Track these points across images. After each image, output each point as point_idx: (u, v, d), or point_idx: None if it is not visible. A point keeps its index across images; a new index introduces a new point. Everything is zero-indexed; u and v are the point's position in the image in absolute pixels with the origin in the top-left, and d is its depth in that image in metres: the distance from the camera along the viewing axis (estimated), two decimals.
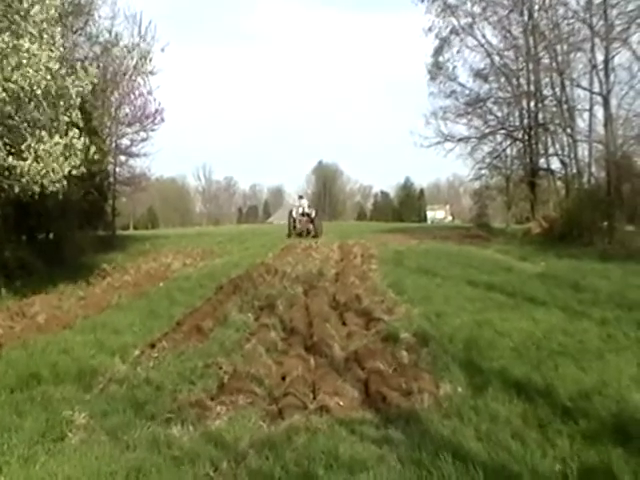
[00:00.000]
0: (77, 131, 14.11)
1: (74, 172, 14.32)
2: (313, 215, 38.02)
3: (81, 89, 14.43)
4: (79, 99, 14.59)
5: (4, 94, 13.08)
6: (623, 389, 6.38)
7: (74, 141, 13.92)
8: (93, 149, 14.92)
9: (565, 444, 5.24)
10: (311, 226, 37.25)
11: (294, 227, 37.38)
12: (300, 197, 43.77)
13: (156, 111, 35.83)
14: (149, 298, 14.75)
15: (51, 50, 13.47)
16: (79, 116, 14.38)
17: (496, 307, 11.53)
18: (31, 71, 13.11)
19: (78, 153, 14.09)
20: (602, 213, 25.17)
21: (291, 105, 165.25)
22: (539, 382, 6.86)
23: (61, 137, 13.74)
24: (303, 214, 38.06)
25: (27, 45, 12.99)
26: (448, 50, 39.25)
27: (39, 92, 13.52)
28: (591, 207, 25.24)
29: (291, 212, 38.87)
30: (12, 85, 13.06)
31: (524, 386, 6.75)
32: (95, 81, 15.66)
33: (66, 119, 14.22)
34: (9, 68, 12.94)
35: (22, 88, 13.23)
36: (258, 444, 5.59)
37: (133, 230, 62.56)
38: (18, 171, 13.38)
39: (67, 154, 13.80)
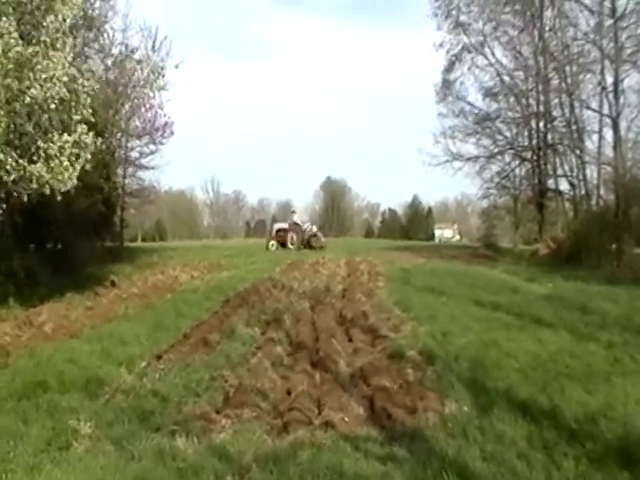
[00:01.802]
0: (85, 126, 14.18)
1: (87, 166, 14.38)
2: (305, 228, 40.84)
3: (89, 89, 14.56)
4: (89, 99, 14.68)
5: (18, 106, 13.20)
6: (629, 412, 6.36)
7: (83, 137, 14.01)
8: (103, 146, 14.92)
9: (571, 466, 5.22)
10: (293, 237, 40.03)
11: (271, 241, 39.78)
12: (293, 212, 44.87)
13: (166, 124, 35.91)
14: (156, 310, 14.77)
15: (64, 65, 13.60)
16: (90, 113, 14.46)
17: (502, 327, 11.50)
18: (47, 85, 13.26)
19: (88, 149, 14.16)
20: (610, 236, 25.09)
21: (300, 120, 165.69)
22: (545, 404, 6.84)
23: (70, 135, 13.83)
24: (283, 229, 40.75)
25: (43, 61, 13.15)
26: (459, 68, 39.49)
27: (52, 106, 13.66)
28: (599, 229, 25.16)
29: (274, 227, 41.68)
30: (27, 98, 13.19)
31: (530, 407, 6.73)
32: (104, 77, 15.74)
33: (77, 117, 14.33)
34: (27, 82, 13.08)
35: (37, 101, 13.37)
36: (262, 458, 5.59)
37: (141, 242, 62.71)
38: (28, 175, 13.46)
39: (77, 151, 13.87)
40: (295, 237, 40.38)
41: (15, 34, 12.99)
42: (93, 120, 14.90)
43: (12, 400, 7.35)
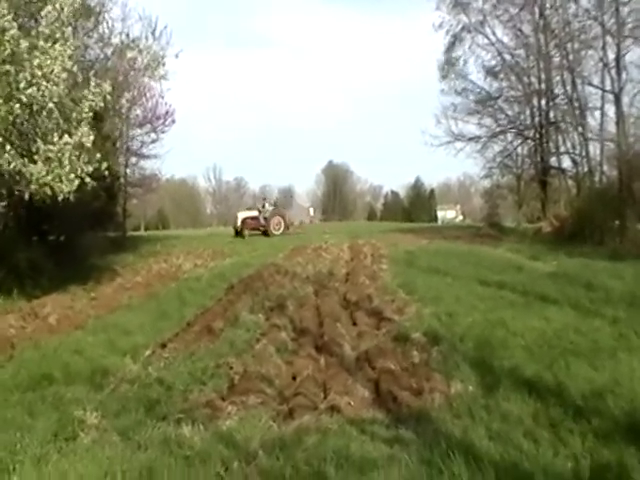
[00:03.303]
0: (86, 130, 14.12)
1: (87, 180, 14.36)
2: (267, 214, 39.73)
3: (93, 103, 14.49)
4: (91, 113, 14.63)
5: (17, 106, 13.14)
6: (636, 388, 6.31)
7: (84, 139, 13.96)
8: (105, 164, 14.90)
9: (577, 443, 5.20)
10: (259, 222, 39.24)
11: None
12: (264, 199, 44.63)
13: (167, 113, 35.86)
14: (160, 299, 14.80)
15: (63, 61, 13.52)
16: (90, 130, 14.37)
17: (507, 306, 11.49)
18: (44, 84, 13.18)
19: (91, 158, 14.11)
20: (613, 212, 25.00)
21: (300, 105, 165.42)
22: (551, 381, 6.81)
23: (70, 136, 13.78)
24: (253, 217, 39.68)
25: (41, 56, 13.08)
26: (459, 47, 39.09)
27: (51, 105, 13.59)
28: (602, 206, 25.06)
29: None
30: (24, 98, 13.13)
31: (536, 385, 6.71)
32: (108, 98, 15.70)
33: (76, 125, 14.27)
34: (23, 82, 13.00)
35: (35, 99, 13.31)
36: (269, 444, 5.58)
37: (144, 231, 62.70)
38: (28, 176, 13.43)
39: (78, 154, 13.83)
40: (282, 222, 40.23)
41: (9, 17, 12.90)
42: (97, 114, 14.87)
43: (18, 392, 7.37)
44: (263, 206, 40.85)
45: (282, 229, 39.58)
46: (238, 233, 38.46)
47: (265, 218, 39.30)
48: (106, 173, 15.46)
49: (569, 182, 36.54)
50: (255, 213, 39.91)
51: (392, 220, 78.53)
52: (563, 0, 33.97)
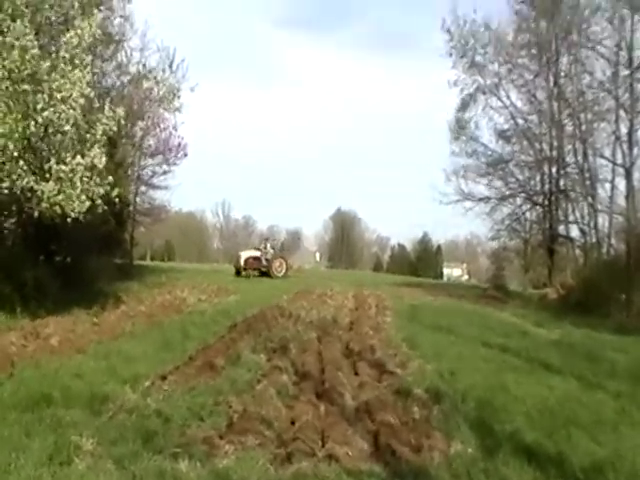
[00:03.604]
0: (98, 151, 14.28)
1: (98, 202, 14.50)
2: (268, 256, 39.75)
3: (107, 127, 14.71)
4: (104, 137, 14.84)
5: (33, 125, 13.31)
6: (638, 464, 6.27)
7: (95, 161, 14.10)
8: (116, 191, 15.08)
9: None
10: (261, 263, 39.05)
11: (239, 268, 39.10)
12: (266, 239, 44.58)
13: (179, 145, 36.25)
14: (163, 330, 14.75)
15: (81, 86, 13.74)
16: (102, 152, 14.55)
17: (510, 370, 11.40)
18: (62, 107, 13.39)
19: (102, 181, 14.24)
20: (620, 285, 24.94)
21: (312, 149, 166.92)
22: (551, 450, 6.75)
23: (82, 157, 13.92)
24: (256, 257, 39.58)
25: (61, 80, 13.29)
26: (473, 107, 39.50)
27: (67, 127, 13.78)
28: (609, 278, 25.02)
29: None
30: (41, 119, 13.30)
31: (536, 453, 6.64)
32: (122, 122, 15.95)
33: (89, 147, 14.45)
34: (41, 103, 13.19)
35: (52, 121, 13.49)
36: None
37: (150, 261, 62.79)
38: (39, 194, 13.54)
39: (89, 175, 13.95)
40: (284, 264, 40.43)
41: (32, 36, 13.15)
42: (110, 139, 15.08)
43: (16, 411, 7.31)
44: (265, 247, 40.83)
45: (284, 272, 39.58)
46: (239, 272, 38.45)
47: (267, 259, 39.27)
48: (117, 200, 15.62)
49: (577, 251, 36.58)
50: (258, 253, 39.86)
51: (398, 273, 78.56)
52: (578, 70, 34.42)
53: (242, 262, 38.73)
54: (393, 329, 16.96)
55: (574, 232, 36.46)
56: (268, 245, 41.16)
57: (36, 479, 5.44)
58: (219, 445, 6.69)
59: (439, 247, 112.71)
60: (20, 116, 12.94)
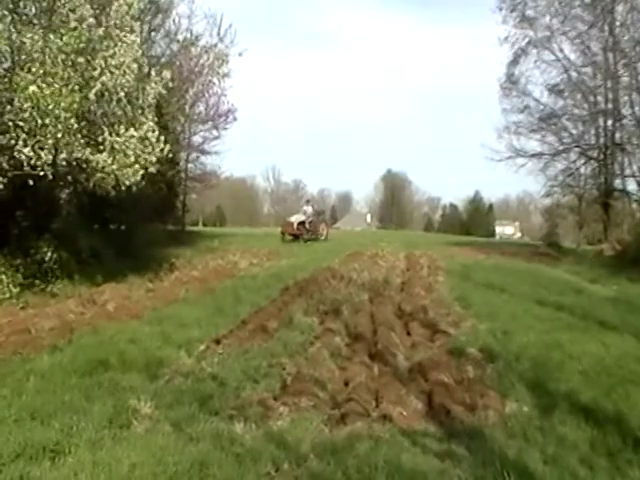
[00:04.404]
0: (151, 124, 14.46)
1: (151, 169, 14.69)
2: (310, 220, 38.45)
3: (156, 91, 14.85)
4: (155, 100, 14.99)
5: (92, 94, 13.49)
6: None
7: (149, 134, 14.27)
8: (167, 147, 15.27)
9: (636, 474, 5.07)
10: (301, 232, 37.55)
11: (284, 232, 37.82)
12: (307, 201, 43.82)
13: (228, 111, 36.40)
14: (215, 294, 14.91)
15: (134, 51, 13.87)
16: (154, 116, 14.74)
17: (565, 328, 11.21)
18: (117, 72, 13.53)
19: (154, 148, 14.42)
20: None
21: (362, 111, 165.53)
22: (609, 409, 6.64)
23: (136, 130, 14.09)
24: (302, 221, 38.10)
25: (115, 47, 13.44)
26: (524, 62, 38.42)
27: (122, 94, 13.93)
28: None
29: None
30: (99, 85, 13.47)
31: (593, 412, 6.54)
32: (170, 85, 16.07)
33: (141, 117, 14.62)
34: (97, 70, 13.35)
35: (107, 88, 13.65)
36: (320, 448, 5.58)
37: (202, 227, 63.43)
38: (94, 164, 13.75)
39: (142, 147, 14.13)
40: (326, 228, 39.74)
41: (88, 6, 13.25)
42: (159, 106, 15.22)
43: (75, 376, 7.51)
44: (305, 212, 39.87)
45: (325, 235, 39.23)
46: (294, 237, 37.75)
47: (311, 222, 38.67)
48: (168, 165, 15.80)
49: (633, 205, 35.67)
50: (303, 217, 39.25)
51: (450, 232, 77.98)
52: (634, 19, 33.24)
53: (296, 226, 38.16)
54: (445, 289, 16.84)
55: (631, 186, 35.49)
56: (310, 208, 40.34)
57: (97, 442, 5.58)
58: (273, 407, 6.77)
59: (491, 206, 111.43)
60: (78, 87, 13.10)
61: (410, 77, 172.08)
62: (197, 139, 37.33)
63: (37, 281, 14.86)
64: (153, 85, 14.97)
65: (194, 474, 4.94)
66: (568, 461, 5.36)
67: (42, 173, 13.10)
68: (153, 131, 14.56)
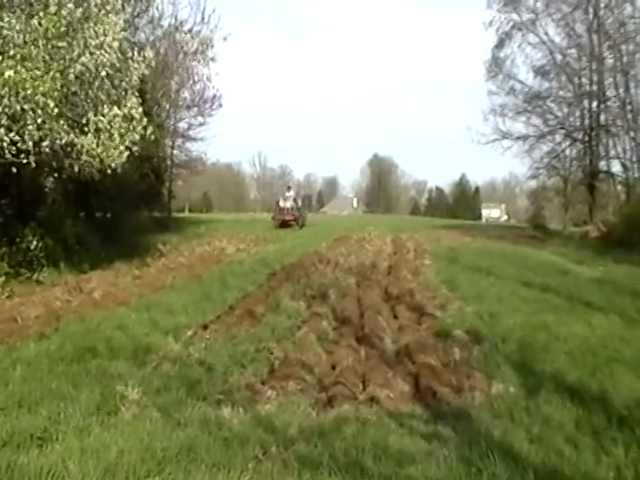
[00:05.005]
0: (135, 100, 14.35)
1: (134, 148, 14.59)
2: (298, 206, 38.35)
3: (140, 72, 14.74)
4: (137, 82, 14.88)
5: (72, 77, 13.35)
6: None
7: (132, 111, 14.17)
8: (151, 129, 15.17)
9: (620, 452, 5.11)
10: (293, 217, 37.39)
11: (276, 218, 37.46)
12: (288, 187, 43.55)
13: (214, 96, 36.29)
14: (203, 281, 14.92)
15: (115, 31, 13.74)
16: (137, 97, 14.64)
17: (551, 310, 11.27)
18: (98, 52, 13.40)
19: (137, 127, 14.32)
20: None
21: (347, 96, 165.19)
22: (594, 388, 6.69)
23: (119, 109, 13.98)
24: (290, 207, 37.93)
25: (95, 26, 13.30)
26: (509, 46, 38.47)
27: (103, 73, 13.80)
28: None
29: (278, 202, 39.15)
30: (79, 66, 13.33)
31: (578, 391, 6.60)
32: (153, 64, 15.95)
33: (127, 88, 14.54)
34: (77, 50, 13.20)
35: (88, 69, 13.52)
36: (307, 431, 5.61)
37: (188, 213, 63.28)
38: (79, 147, 13.65)
39: (127, 126, 14.03)
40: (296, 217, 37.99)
41: None
42: (142, 90, 15.11)
43: (63, 364, 7.50)
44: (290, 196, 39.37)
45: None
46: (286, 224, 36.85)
47: (299, 208, 38.25)
48: (153, 146, 15.66)
49: (618, 187, 35.87)
50: (292, 203, 38.54)
51: (436, 216, 78.16)
52: (618, 0, 33.29)
53: (282, 213, 37.55)
54: (432, 272, 16.91)
55: (615, 167, 35.75)
56: (292, 193, 39.78)
57: (85, 428, 5.56)
58: (261, 391, 6.79)
59: (477, 189, 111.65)
60: (59, 73, 12.96)
61: (395, 61, 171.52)
62: (182, 125, 37.20)
63: (23, 270, 14.82)
64: (136, 65, 14.83)
65: (182, 459, 4.94)
66: (553, 440, 5.40)
67: (25, 161, 12.97)
68: (137, 107, 14.43)
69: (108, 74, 14.04)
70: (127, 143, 14.09)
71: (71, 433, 5.41)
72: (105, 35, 13.52)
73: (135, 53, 14.79)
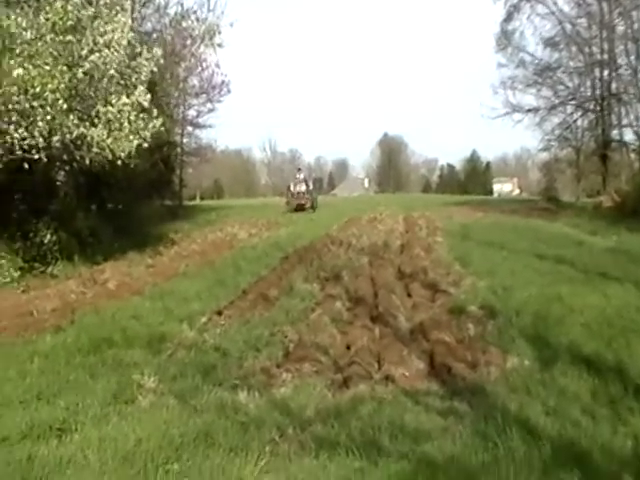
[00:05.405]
0: (143, 89, 14.35)
1: (145, 145, 14.61)
2: (309, 188, 37.99)
3: (148, 69, 14.74)
4: (147, 78, 14.89)
5: (80, 72, 13.37)
6: None
7: (140, 99, 14.16)
8: (160, 120, 15.15)
9: (637, 421, 5.09)
10: (307, 201, 37.00)
11: (290, 202, 37.05)
12: (299, 169, 43.24)
13: (222, 82, 36.25)
14: (215, 267, 14.95)
15: (123, 30, 13.73)
16: (146, 93, 14.62)
17: (565, 281, 11.19)
18: (106, 51, 13.40)
19: (148, 123, 14.32)
20: None
21: (354, 78, 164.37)
22: (610, 359, 6.65)
23: (128, 97, 14.00)
24: (304, 191, 37.65)
25: (106, 25, 13.31)
26: (517, 17, 38.00)
27: (112, 71, 13.81)
28: None
29: (289, 187, 38.83)
30: (88, 64, 13.34)
31: (594, 362, 6.56)
32: (161, 61, 15.93)
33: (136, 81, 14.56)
34: (86, 48, 13.21)
35: (97, 66, 13.53)
36: (323, 412, 5.63)
37: (199, 201, 63.37)
38: (89, 139, 13.67)
39: (136, 114, 14.03)
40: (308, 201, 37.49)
41: None
42: (151, 82, 15.11)
43: (79, 355, 7.56)
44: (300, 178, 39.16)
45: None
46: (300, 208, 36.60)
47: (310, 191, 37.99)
48: (163, 137, 15.65)
49: (631, 156, 35.51)
50: (304, 186, 38.26)
51: (448, 193, 77.85)
52: None
53: (296, 197, 37.15)
54: (444, 249, 16.86)
55: (628, 136, 35.28)
56: (302, 176, 39.49)
57: (103, 418, 5.61)
58: (276, 375, 6.82)
59: (488, 164, 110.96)
60: (66, 67, 12.97)
61: (403, 39, 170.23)
62: (192, 113, 37.19)
63: (37, 264, 14.92)
64: (145, 62, 14.82)
65: (200, 444, 4.97)
66: (570, 412, 5.39)
67: (37, 156, 13.02)
68: (146, 94, 14.42)
69: (116, 71, 14.06)
70: (137, 134, 14.11)
71: (89, 423, 5.46)
72: (113, 33, 13.54)
73: (144, 51, 14.78)
